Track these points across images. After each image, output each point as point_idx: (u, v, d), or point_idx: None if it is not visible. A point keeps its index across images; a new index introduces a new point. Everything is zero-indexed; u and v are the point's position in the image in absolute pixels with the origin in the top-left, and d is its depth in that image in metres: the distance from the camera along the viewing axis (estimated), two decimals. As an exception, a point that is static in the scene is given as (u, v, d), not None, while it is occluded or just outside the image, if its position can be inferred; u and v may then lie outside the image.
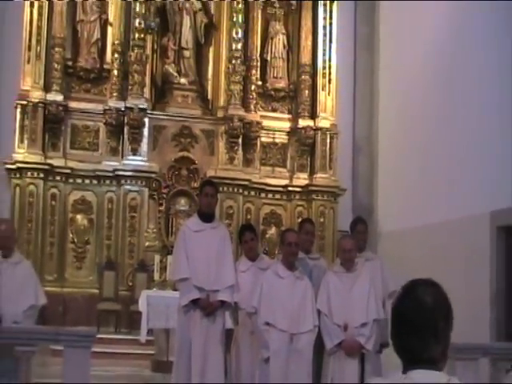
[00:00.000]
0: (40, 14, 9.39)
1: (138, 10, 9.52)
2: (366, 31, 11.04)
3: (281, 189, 10.09)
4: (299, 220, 9.52)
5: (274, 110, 10.29)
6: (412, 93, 9.53)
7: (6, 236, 5.97)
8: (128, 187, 9.45)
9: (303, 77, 10.17)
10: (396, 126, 10.15)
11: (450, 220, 8.08)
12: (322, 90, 10.20)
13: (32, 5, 9.40)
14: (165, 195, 9.67)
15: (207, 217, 5.56)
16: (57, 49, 9.38)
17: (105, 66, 9.68)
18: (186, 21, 10.04)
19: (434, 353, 1.96)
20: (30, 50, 9.35)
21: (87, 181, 9.49)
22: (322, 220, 9.85)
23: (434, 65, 8.95)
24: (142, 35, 9.51)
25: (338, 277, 5.69)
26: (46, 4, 9.42)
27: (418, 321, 1.98)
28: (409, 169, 9.49)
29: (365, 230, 6.60)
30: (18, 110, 9.29)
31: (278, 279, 5.60)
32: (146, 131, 9.60)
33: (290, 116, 10.29)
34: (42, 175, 9.22)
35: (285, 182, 10.12)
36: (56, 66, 9.36)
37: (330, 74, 10.27)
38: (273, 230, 9.97)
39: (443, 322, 1.98)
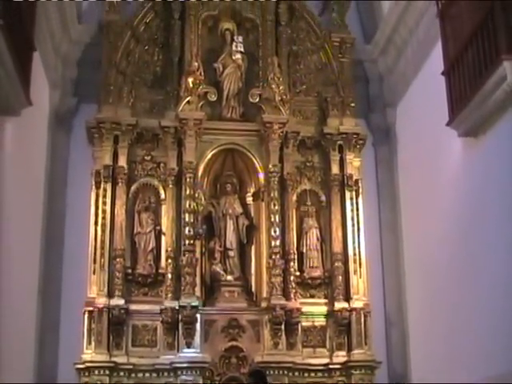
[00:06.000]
0: (103, 231, 10.00)
1: (187, 219, 10.02)
2: (390, 217, 11.50)
3: (322, 367, 10.13)
4: (341, 395, 9.79)
5: (311, 296, 10.49)
6: (434, 267, 9.79)
7: None
8: (184, 377, 9.60)
9: (336, 264, 10.42)
10: (422, 299, 10.37)
11: (477, 379, 8.05)
12: (354, 274, 10.44)
13: (96, 223, 10.05)
14: (217, 382, 9.80)
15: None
16: (118, 259, 9.89)
17: (160, 271, 10.08)
18: (230, 225, 10.53)
19: None
20: (95, 262, 9.90)
21: (147, 374, 9.69)
22: (361, 391, 9.85)
23: (452, 239, 9.21)
24: (192, 241, 9.98)
25: None
26: (108, 221, 10.05)
27: None
28: (437, 336, 9.61)
29: None
30: (86, 315, 9.72)
31: None
32: (198, 326, 9.85)
33: (326, 300, 10.46)
34: (107, 372, 9.49)
35: (325, 360, 10.18)
36: (117, 274, 9.84)
37: (360, 259, 10.53)
38: (316, 407, 9.92)
39: None
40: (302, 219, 10.76)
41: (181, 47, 10.82)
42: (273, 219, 10.29)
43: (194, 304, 9.78)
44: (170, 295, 9.92)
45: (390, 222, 11.52)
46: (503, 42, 7.40)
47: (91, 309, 9.74)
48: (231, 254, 10.47)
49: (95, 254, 9.98)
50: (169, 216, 10.27)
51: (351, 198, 10.78)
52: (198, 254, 10.12)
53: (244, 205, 10.79)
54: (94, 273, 9.92)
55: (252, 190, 10.88)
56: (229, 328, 10.02)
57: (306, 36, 11.43)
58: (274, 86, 10.61)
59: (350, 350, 10.22)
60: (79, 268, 10.02)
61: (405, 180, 11.40)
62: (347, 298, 10.36)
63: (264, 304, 10.14)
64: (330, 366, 10.17)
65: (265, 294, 10.21)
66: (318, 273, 10.56)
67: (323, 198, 10.88)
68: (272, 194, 10.38)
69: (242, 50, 10.85)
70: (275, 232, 10.24)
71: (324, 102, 11.13)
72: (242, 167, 10.92)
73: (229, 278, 10.39)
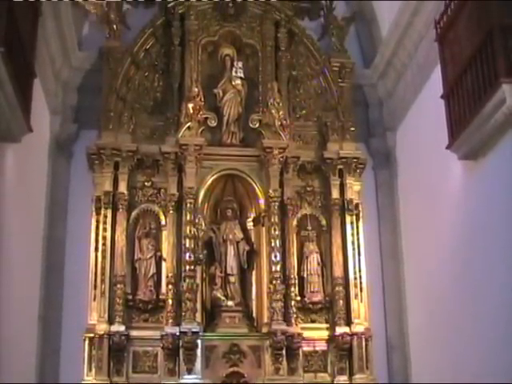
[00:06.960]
0: (103, 257, 9.95)
1: (187, 245, 9.97)
2: (390, 240, 11.46)
3: (324, 392, 10.05)
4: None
5: (312, 321, 10.43)
6: (435, 290, 9.74)
7: None
8: (185, 403, 9.54)
9: (337, 288, 10.35)
10: (424, 322, 10.30)
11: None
12: (355, 298, 10.38)
13: (96, 249, 10.01)
14: (218, 408, 9.68)
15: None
16: (118, 285, 9.84)
17: (160, 297, 10.02)
18: (230, 250, 10.48)
19: None
20: (95, 288, 9.85)
21: (148, 395, 9.63)
22: (363, 415, 9.79)
23: (453, 262, 9.18)
24: (192, 267, 9.92)
25: None
26: (108, 247, 10.02)
27: None
28: (439, 360, 9.53)
29: None
30: (87, 341, 9.67)
31: None
32: (199, 351, 9.78)
33: (327, 325, 10.40)
34: (108, 399, 9.45)
35: (327, 384, 10.13)
36: (118, 300, 9.78)
37: (360, 283, 10.48)
38: (318, 432, 9.83)
39: None
40: (302, 244, 10.72)
41: (181, 73, 10.84)
42: (273, 244, 10.24)
43: (194, 330, 9.71)
44: (170, 321, 9.84)
45: (390, 245, 11.48)
46: (502, 66, 7.43)
47: (92, 335, 9.68)
48: (232, 279, 10.41)
49: (95, 280, 9.93)
50: (169, 242, 10.22)
51: (352, 223, 10.75)
52: (198, 280, 10.04)
53: (244, 230, 10.74)
54: (94, 299, 9.86)
55: (252, 215, 10.84)
56: (230, 353, 9.94)
57: (306, 61, 11.48)
58: (273, 111, 10.62)
59: (351, 374, 10.16)
60: (80, 294, 9.97)
61: (405, 204, 11.38)
62: (348, 323, 10.29)
63: (265, 329, 10.08)
64: (332, 392, 10.06)
65: (266, 319, 10.14)
66: (318, 297, 10.50)
67: (324, 222, 10.85)
68: (272, 219, 10.34)
69: (242, 75, 10.89)
70: (276, 257, 10.19)
71: (324, 126, 11.14)
72: (242, 192, 10.89)
73: (229, 303, 10.31)
